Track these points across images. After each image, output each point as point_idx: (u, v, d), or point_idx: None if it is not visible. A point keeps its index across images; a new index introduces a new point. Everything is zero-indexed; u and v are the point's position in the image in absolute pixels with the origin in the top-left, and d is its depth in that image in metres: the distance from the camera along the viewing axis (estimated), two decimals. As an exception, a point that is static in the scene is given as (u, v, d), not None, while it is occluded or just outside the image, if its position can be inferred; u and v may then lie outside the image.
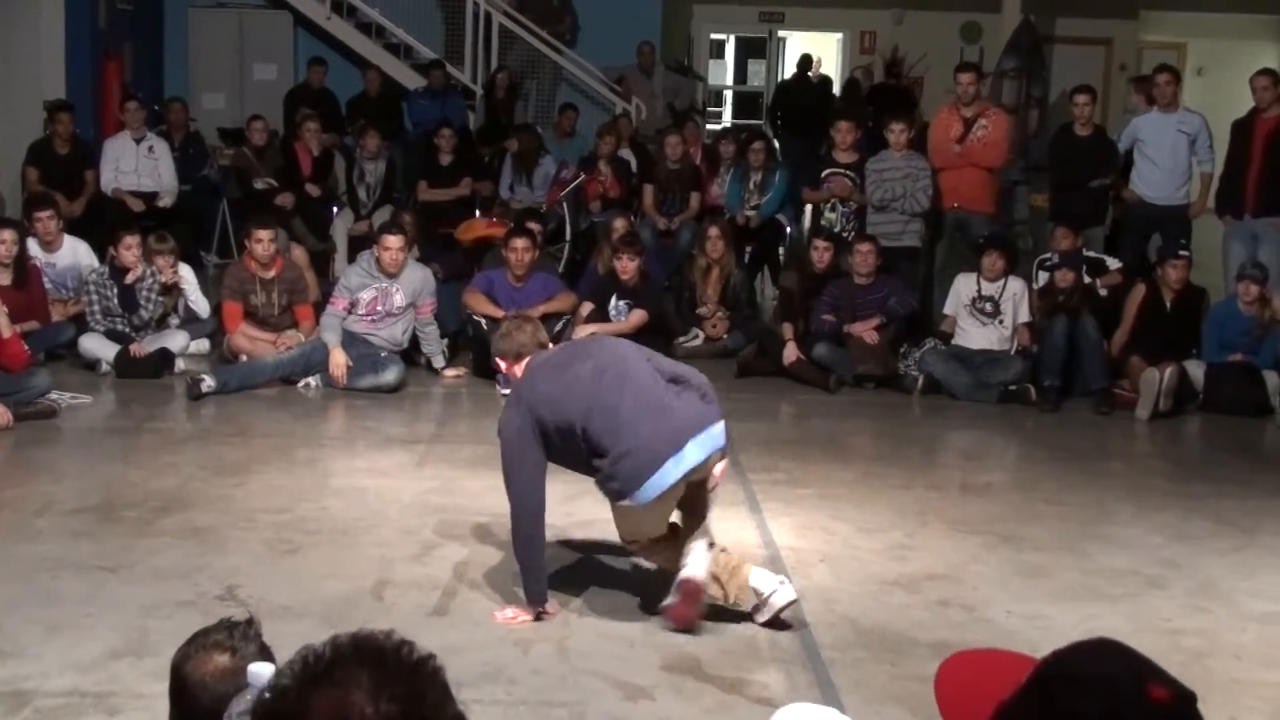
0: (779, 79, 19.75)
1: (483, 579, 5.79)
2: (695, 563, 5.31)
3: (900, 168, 10.88)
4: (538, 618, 5.35)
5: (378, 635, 1.70)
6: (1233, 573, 6.26)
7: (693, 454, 5.15)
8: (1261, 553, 6.58)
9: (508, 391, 9.03)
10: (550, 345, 5.79)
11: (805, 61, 17.92)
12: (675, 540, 5.47)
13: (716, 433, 5.28)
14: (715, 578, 5.37)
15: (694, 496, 5.36)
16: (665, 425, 5.16)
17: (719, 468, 5.34)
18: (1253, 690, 5.02)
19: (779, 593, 5.34)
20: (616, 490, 5.18)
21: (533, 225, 10.56)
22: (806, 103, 16.46)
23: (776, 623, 5.35)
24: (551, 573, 5.78)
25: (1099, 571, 6.21)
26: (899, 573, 6.07)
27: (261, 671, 2.19)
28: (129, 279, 9.53)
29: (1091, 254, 10.53)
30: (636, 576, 5.89)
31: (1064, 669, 1.67)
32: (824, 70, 18.84)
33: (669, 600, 5.31)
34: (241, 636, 2.66)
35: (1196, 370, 9.39)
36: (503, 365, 5.68)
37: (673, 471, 5.13)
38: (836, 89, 17.86)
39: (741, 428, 8.54)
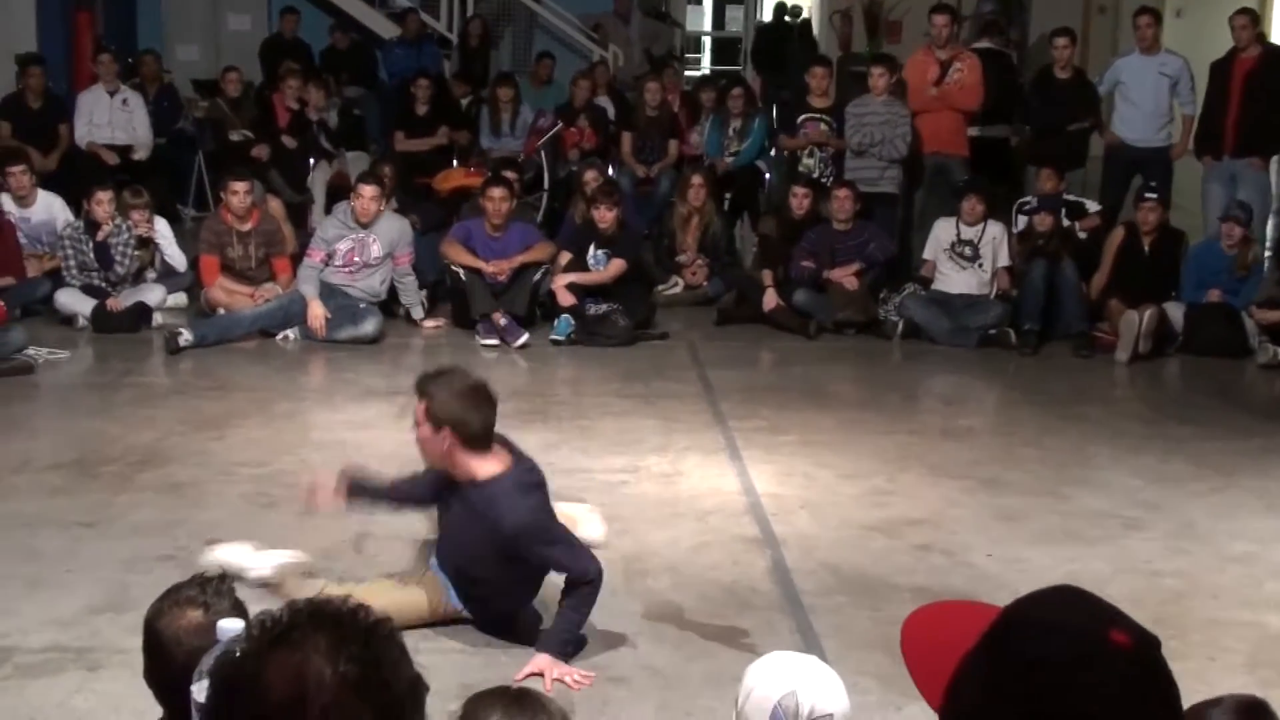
0: (757, 23, 19.68)
1: (463, 530, 5.77)
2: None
3: (880, 113, 10.82)
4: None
5: (334, 599, 1.70)
6: (1211, 514, 6.28)
7: None
8: (1240, 494, 6.60)
9: (491, 342, 9.12)
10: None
11: (781, 7, 17.90)
12: None
13: None
14: None
15: None
16: None
17: None
18: (1231, 630, 5.04)
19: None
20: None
21: (510, 174, 10.51)
22: (785, 46, 16.48)
23: None
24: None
25: (1078, 514, 6.22)
26: (879, 518, 6.08)
27: (230, 627, 2.18)
28: (101, 235, 9.46)
29: (1071, 197, 10.51)
30: (619, 526, 5.88)
31: (1024, 617, 1.66)
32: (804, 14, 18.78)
33: None
34: (214, 592, 2.64)
35: (1176, 312, 9.39)
36: (441, 433, 4.64)
37: None
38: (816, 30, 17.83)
39: (721, 375, 8.57)
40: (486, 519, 4.57)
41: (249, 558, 4.82)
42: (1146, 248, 9.71)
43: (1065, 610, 1.65)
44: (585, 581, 4.63)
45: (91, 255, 9.46)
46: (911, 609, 5.09)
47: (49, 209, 10.14)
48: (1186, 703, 1.79)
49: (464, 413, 4.62)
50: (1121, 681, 1.56)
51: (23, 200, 10.03)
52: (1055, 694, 1.57)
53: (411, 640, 1.74)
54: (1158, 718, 1.59)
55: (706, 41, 24.74)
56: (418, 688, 1.69)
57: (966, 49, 11.52)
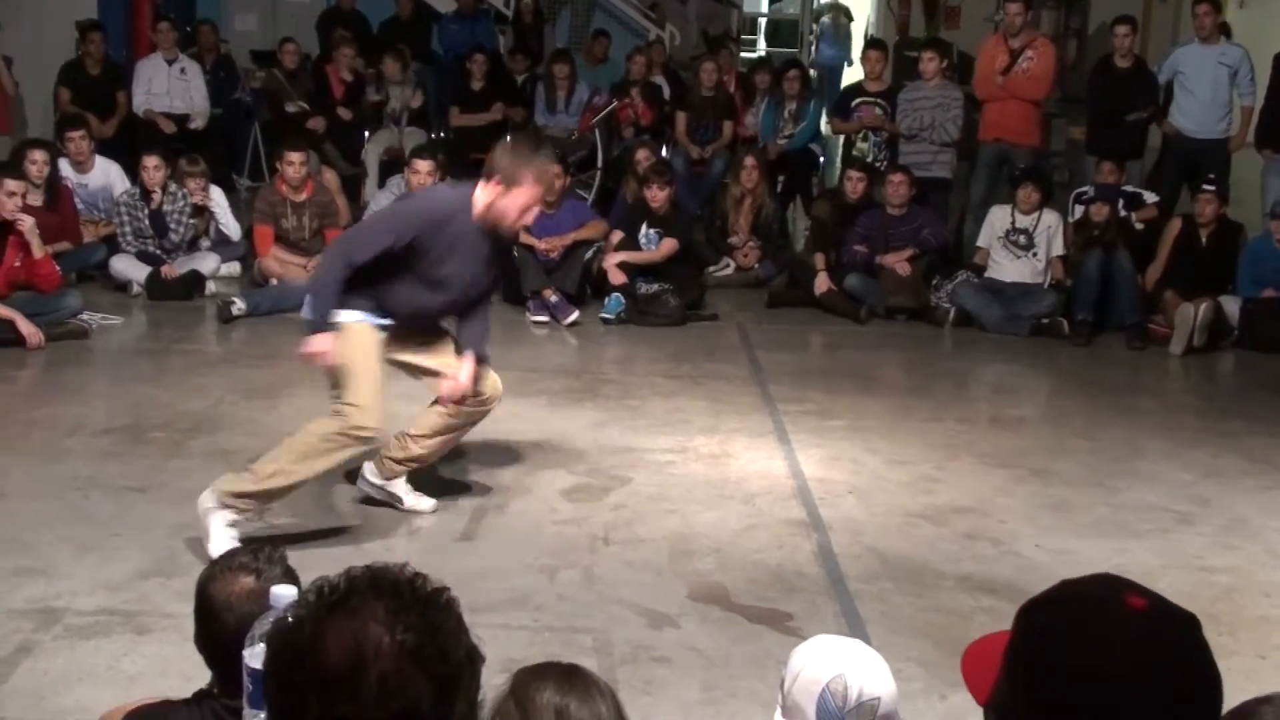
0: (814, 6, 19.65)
1: (511, 504, 5.79)
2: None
3: (932, 97, 10.76)
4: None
5: (392, 567, 1.70)
6: (1264, 510, 6.22)
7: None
8: (1293, 490, 6.53)
9: (542, 319, 9.14)
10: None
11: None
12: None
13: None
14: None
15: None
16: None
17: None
18: (1281, 628, 4.99)
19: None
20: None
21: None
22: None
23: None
24: (578, 500, 5.80)
25: (1128, 507, 6.17)
26: (927, 505, 6.05)
27: (283, 594, 2.18)
28: (154, 201, 9.52)
29: (1128, 188, 10.41)
30: (666, 506, 5.89)
31: (1048, 593, 1.66)
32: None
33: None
34: (266, 559, 2.66)
35: (1232, 306, 9.31)
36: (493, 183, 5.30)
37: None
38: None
39: (771, 358, 8.55)
40: None
41: None
42: (1203, 240, 9.63)
43: (1089, 584, 1.65)
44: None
45: (147, 222, 9.53)
46: (957, 596, 5.06)
47: (106, 175, 10.22)
48: (1236, 699, 1.77)
49: None
50: (1133, 643, 1.54)
51: (81, 166, 10.11)
52: (1066, 655, 1.56)
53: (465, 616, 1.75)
54: (1177, 684, 1.56)
55: (762, 22, 24.63)
56: (474, 657, 1.70)
57: (1043, 36, 11.37)
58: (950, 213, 11.05)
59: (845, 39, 20.31)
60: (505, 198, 5.27)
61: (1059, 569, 5.26)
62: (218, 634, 2.57)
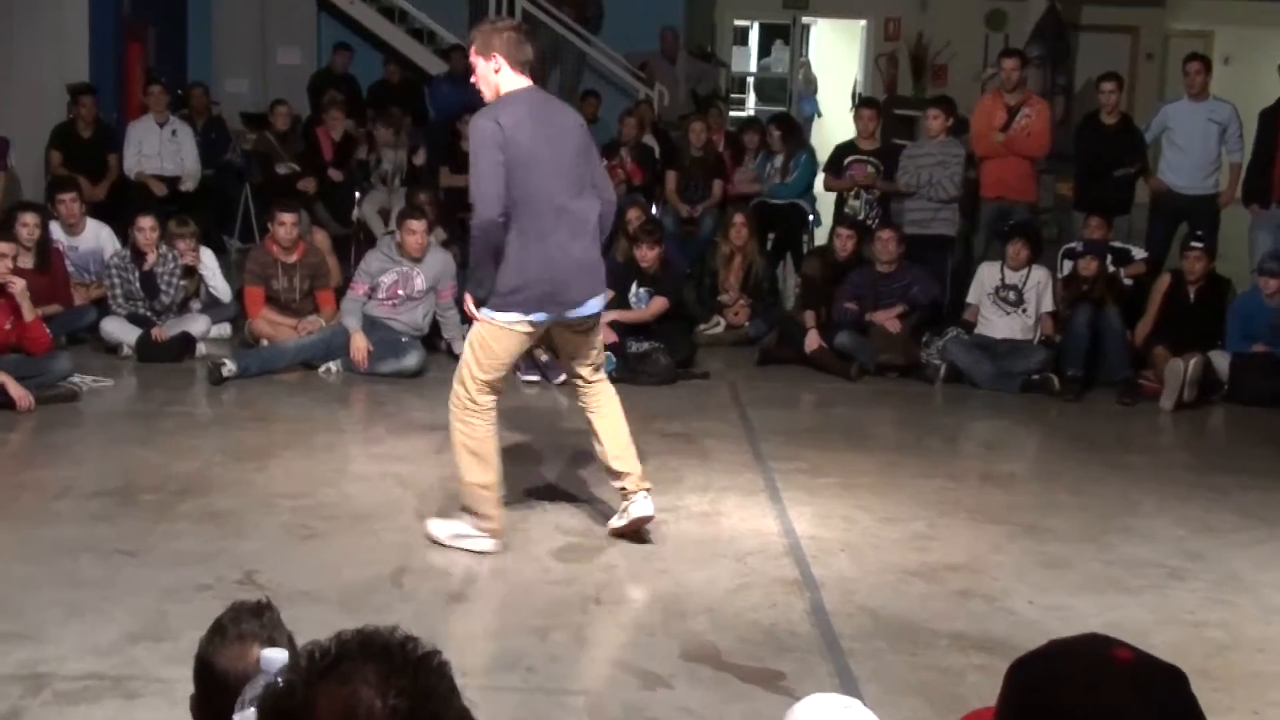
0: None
1: (502, 566, 5.77)
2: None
3: (934, 154, 10.81)
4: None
5: (383, 631, 1.70)
6: (1256, 565, 6.21)
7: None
8: (1285, 545, 6.53)
9: (532, 378, 9.13)
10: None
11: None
12: None
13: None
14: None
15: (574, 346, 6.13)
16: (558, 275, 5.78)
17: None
18: (1276, 683, 4.97)
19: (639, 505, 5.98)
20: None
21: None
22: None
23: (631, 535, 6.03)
24: (569, 560, 5.80)
25: (1121, 563, 6.16)
26: (919, 563, 6.04)
27: (276, 657, 2.16)
28: (147, 263, 9.53)
29: (1117, 244, 10.45)
30: (657, 565, 5.87)
31: (1036, 651, 1.68)
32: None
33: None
34: (272, 624, 2.59)
35: (1221, 361, 9.32)
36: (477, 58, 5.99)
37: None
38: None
39: (762, 415, 8.55)
40: None
41: None
42: (1192, 296, 9.65)
43: (1076, 641, 1.66)
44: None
45: (137, 284, 9.53)
46: (951, 655, 5.04)
47: (97, 238, 10.23)
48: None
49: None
50: (1121, 695, 1.55)
51: (72, 228, 10.13)
52: (1054, 708, 1.56)
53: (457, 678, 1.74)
54: None
55: (751, 82, 24.80)
56: None
57: (1035, 93, 11.44)
58: (951, 271, 11.03)
59: (813, 94, 20.66)
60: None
61: (1052, 625, 5.25)
62: (231, 706, 2.49)
